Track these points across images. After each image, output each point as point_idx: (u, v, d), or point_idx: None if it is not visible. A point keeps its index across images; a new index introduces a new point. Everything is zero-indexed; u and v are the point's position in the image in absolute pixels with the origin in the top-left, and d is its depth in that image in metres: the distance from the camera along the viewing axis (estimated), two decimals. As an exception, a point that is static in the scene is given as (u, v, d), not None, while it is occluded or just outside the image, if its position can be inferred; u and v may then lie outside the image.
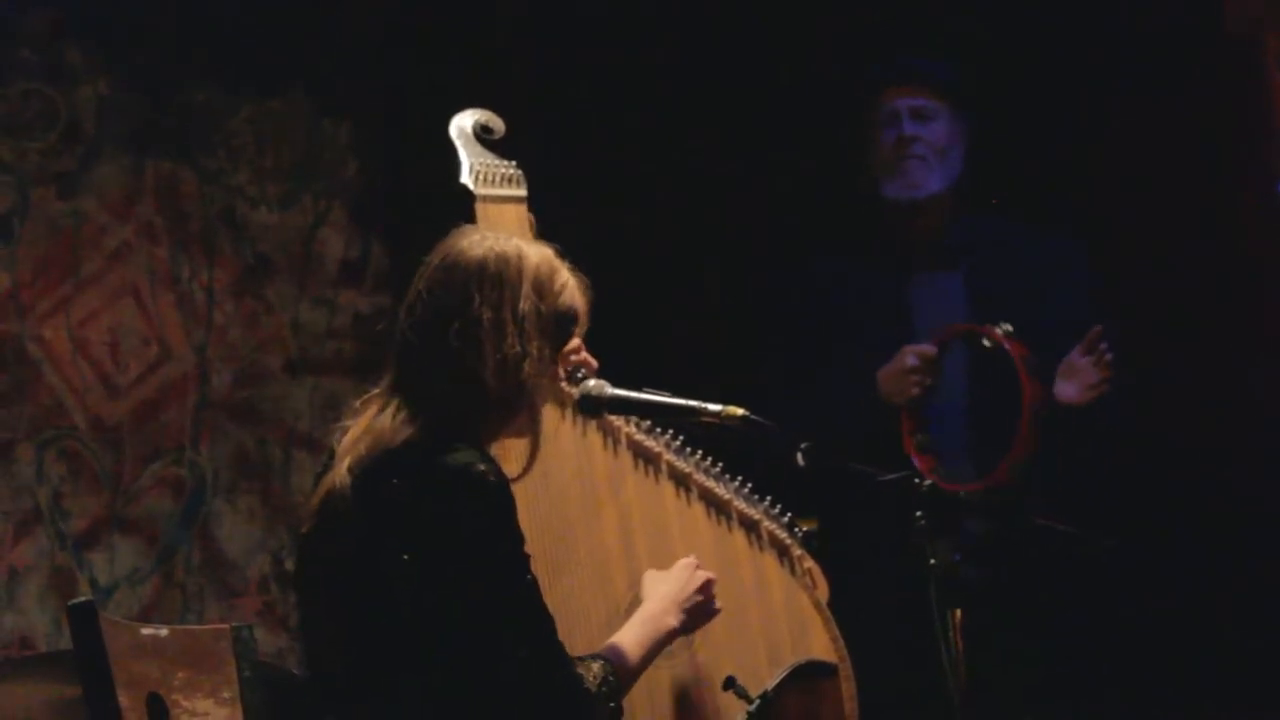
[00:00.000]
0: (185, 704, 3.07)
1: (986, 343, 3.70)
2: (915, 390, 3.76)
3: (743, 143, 4.73)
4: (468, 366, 2.64)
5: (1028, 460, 3.66)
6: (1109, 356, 3.73)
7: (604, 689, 2.66)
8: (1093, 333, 3.74)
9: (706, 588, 2.89)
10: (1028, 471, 3.68)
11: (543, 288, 2.69)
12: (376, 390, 2.74)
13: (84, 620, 2.98)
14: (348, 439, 2.71)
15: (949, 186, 3.94)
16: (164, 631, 3.12)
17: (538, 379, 2.68)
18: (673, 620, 2.84)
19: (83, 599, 3.05)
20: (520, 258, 2.69)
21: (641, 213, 4.66)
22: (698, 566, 2.91)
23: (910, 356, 3.76)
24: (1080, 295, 3.90)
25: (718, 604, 2.91)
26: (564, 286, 2.72)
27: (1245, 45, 4.28)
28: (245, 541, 4.37)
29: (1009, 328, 3.68)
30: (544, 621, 2.62)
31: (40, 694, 3.18)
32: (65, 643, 3.26)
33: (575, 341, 2.83)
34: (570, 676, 2.63)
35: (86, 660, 2.96)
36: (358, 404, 2.75)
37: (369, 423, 2.69)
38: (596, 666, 2.68)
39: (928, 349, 3.77)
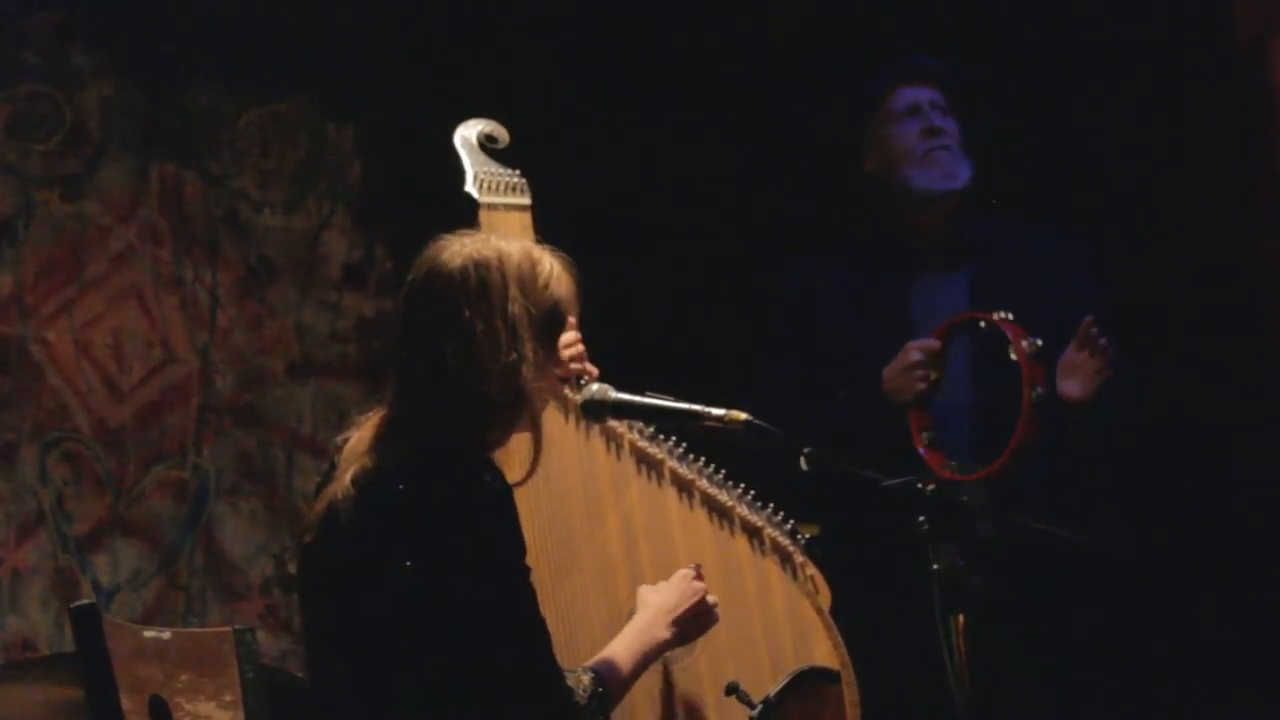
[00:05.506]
0: (188, 707, 3.07)
1: (983, 324, 3.64)
2: (921, 385, 3.70)
3: (744, 145, 4.73)
4: (467, 380, 2.63)
5: (1031, 446, 3.61)
6: (1103, 342, 3.70)
7: (593, 702, 2.66)
8: (1084, 325, 3.68)
9: (702, 599, 2.88)
10: (1030, 459, 3.62)
11: (528, 285, 2.67)
12: (379, 402, 2.74)
13: (86, 622, 2.97)
14: (350, 449, 2.70)
15: (970, 183, 3.91)
16: (166, 634, 3.13)
17: (537, 381, 2.67)
18: (665, 632, 2.83)
19: (85, 601, 3.04)
20: (501, 259, 2.67)
21: (644, 216, 4.66)
22: (696, 577, 2.90)
23: (914, 352, 3.70)
24: (1088, 294, 3.87)
25: (716, 613, 2.90)
26: (549, 278, 2.70)
27: (1254, 49, 4.28)
28: (248, 544, 4.37)
29: (1008, 315, 3.63)
30: (539, 633, 2.62)
31: (42, 696, 3.17)
32: (67, 645, 3.26)
33: (574, 334, 2.82)
34: (560, 689, 2.63)
35: (89, 663, 2.96)
36: (360, 419, 2.75)
37: (372, 433, 2.69)
38: (587, 679, 2.67)
39: (930, 342, 3.71)
